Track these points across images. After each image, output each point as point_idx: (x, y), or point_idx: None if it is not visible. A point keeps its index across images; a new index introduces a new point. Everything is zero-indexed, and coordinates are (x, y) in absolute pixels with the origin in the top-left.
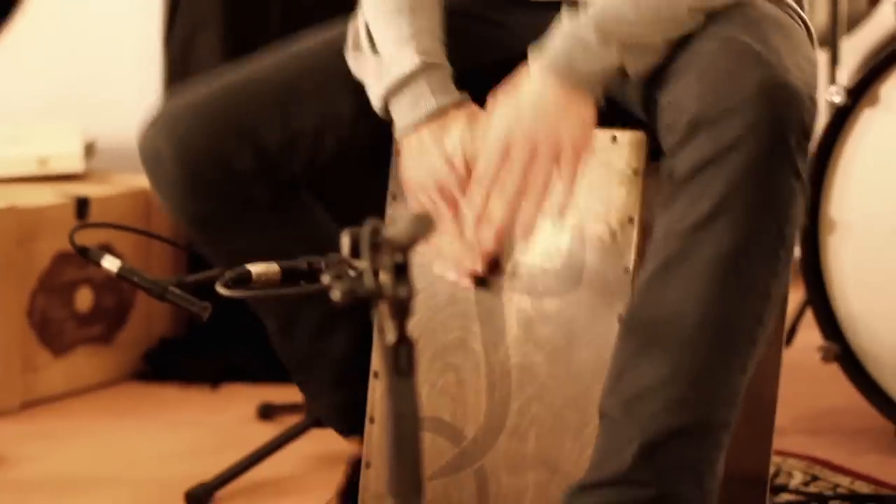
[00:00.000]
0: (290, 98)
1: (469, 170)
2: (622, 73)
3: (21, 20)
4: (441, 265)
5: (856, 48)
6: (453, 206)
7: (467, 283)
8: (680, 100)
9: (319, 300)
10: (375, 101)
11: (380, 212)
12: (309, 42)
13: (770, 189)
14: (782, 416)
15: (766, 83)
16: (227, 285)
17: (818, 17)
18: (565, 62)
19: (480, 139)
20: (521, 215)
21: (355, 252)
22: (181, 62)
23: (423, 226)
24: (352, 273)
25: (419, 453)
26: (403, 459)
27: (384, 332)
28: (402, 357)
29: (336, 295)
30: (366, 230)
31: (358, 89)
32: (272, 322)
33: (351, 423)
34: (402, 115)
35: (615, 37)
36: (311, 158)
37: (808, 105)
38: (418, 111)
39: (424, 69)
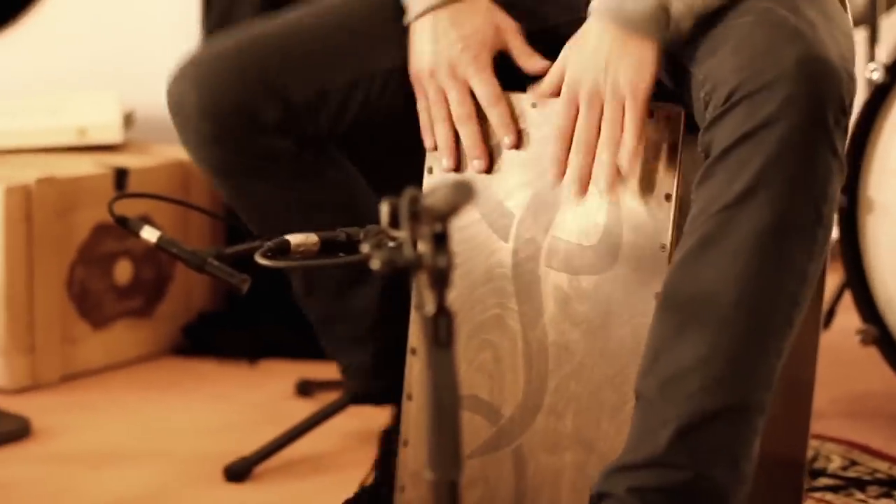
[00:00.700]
0: (321, 52)
1: (487, 52)
2: (667, 19)
3: None
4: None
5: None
6: (466, 91)
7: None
8: (716, 73)
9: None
10: None
11: (417, 183)
12: None
13: (807, 165)
14: (820, 400)
15: (804, 58)
16: (266, 255)
17: None
18: (616, 4)
19: (503, 28)
20: (599, 164)
21: (394, 222)
22: (220, 33)
23: (463, 194)
24: (391, 243)
25: (458, 425)
26: (442, 431)
27: (423, 303)
28: (442, 328)
29: (375, 264)
30: (405, 199)
31: (391, 46)
32: (297, 282)
33: (372, 382)
34: (419, 1)
35: None
36: (338, 115)
37: (845, 80)
38: None
39: None
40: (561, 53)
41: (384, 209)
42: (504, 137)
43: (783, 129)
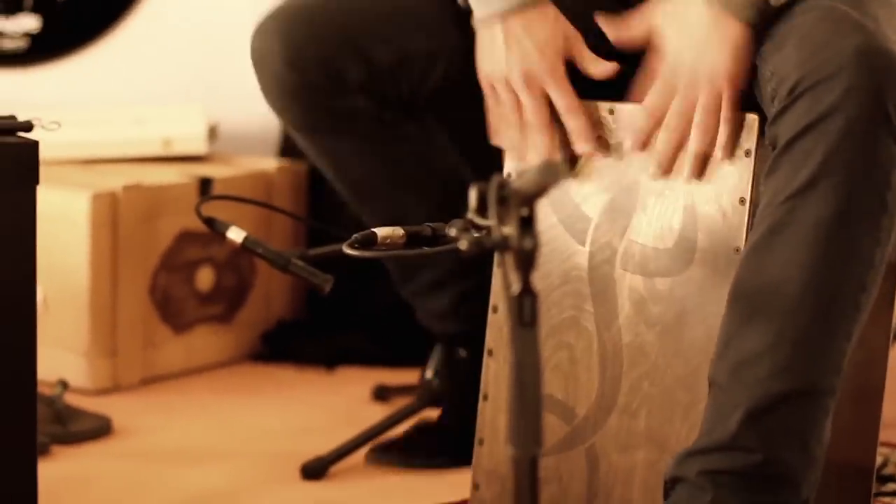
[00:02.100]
0: (405, 19)
1: (561, 60)
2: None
3: (147, 4)
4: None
5: None
6: (542, 96)
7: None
8: (780, 69)
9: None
10: None
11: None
12: None
13: (868, 154)
14: (888, 411)
15: (864, 49)
16: (353, 246)
17: None
18: None
19: (570, 35)
20: (691, 148)
21: (482, 207)
22: None
23: (552, 174)
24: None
25: (540, 403)
26: (525, 409)
27: (509, 283)
28: (526, 308)
29: (463, 245)
30: (493, 184)
31: (469, 24)
32: (395, 271)
33: (454, 328)
34: (487, 5)
35: None
36: (420, 82)
37: None
38: (505, 2)
39: None
40: (648, 12)
41: (472, 194)
42: (583, 146)
43: (844, 119)
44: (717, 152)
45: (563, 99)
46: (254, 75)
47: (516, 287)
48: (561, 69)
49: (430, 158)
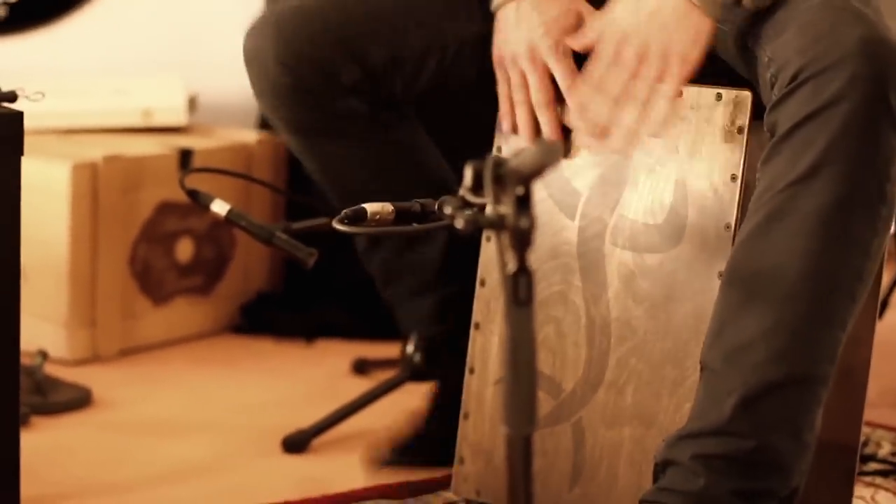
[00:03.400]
0: (398, 16)
1: (564, 39)
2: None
3: None
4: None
5: None
6: (545, 76)
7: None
8: (781, 54)
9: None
10: None
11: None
12: None
13: (870, 144)
14: (870, 391)
15: (867, 39)
16: (343, 222)
17: None
18: None
19: (584, 11)
20: (620, 121)
21: (477, 184)
22: None
23: (549, 154)
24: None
25: (535, 382)
26: (519, 388)
27: (504, 262)
28: (522, 286)
29: (459, 223)
30: (489, 162)
31: (465, 16)
32: (361, 238)
33: (435, 332)
34: None
35: None
36: (413, 80)
37: None
38: None
39: None
40: (609, 5)
41: (468, 172)
42: (578, 123)
43: (847, 108)
44: (650, 127)
45: (562, 74)
46: (233, 46)
47: (512, 266)
48: (564, 45)
49: (422, 164)
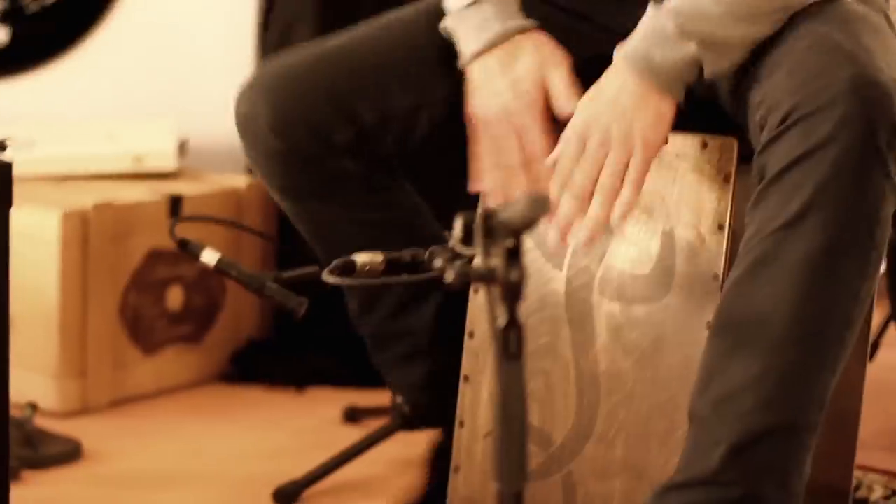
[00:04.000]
0: (387, 73)
1: (539, 96)
2: (701, 72)
3: (115, 18)
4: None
5: None
6: (520, 135)
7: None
8: (771, 96)
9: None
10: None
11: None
12: (405, 15)
13: (860, 187)
14: (863, 433)
15: (858, 80)
16: (333, 273)
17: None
18: (643, 54)
19: (549, 67)
20: (589, 211)
21: (467, 236)
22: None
23: (538, 208)
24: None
25: (526, 437)
26: (510, 443)
27: (495, 316)
28: (512, 340)
29: (449, 276)
30: (480, 214)
31: (451, 73)
32: (353, 302)
33: (424, 400)
34: (468, 41)
35: (694, 31)
36: (405, 136)
37: None
38: (484, 35)
39: None
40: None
41: (458, 223)
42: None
43: (837, 151)
44: (615, 217)
45: (532, 141)
46: (222, 89)
47: (502, 319)
48: (537, 105)
49: (415, 225)
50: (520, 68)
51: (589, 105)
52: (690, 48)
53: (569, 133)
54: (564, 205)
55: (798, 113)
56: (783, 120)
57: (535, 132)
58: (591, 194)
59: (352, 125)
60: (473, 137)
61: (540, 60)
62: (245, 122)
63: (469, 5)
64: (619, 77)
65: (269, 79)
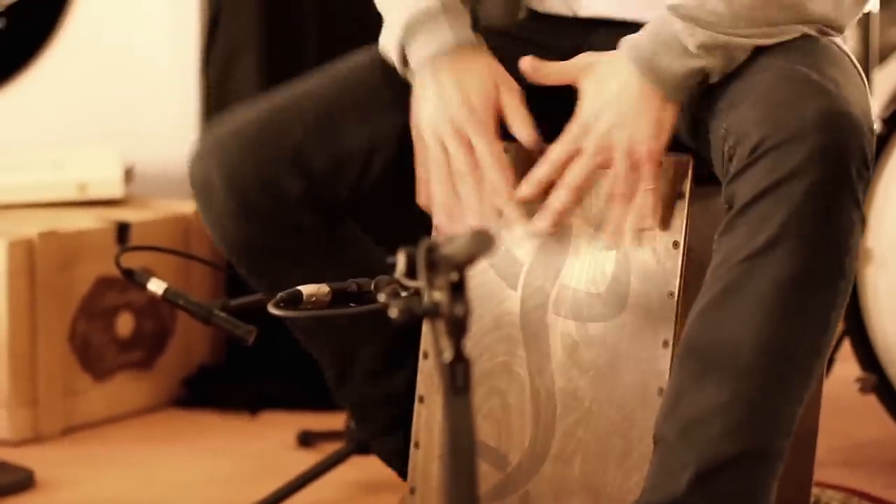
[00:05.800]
0: (335, 120)
1: (490, 111)
2: (705, 78)
3: (59, 45)
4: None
5: (887, 79)
6: (468, 149)
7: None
8: (738, 127)
9: (373, 342)
10: (392, 40)
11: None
12: (351, 61)
13: (830, 218)
14: (819, 449)
15: (827, 111)
16: (278, 305)
17: (849, 47)
18: (649, 56)
19: (503, 87)
20: (609, 218)
21: (411, 270)
22: (218, 88)
23: (482, 243)
24: (403, 293)
25: (475, 471)
26: (459, 478)
27: (440, 350)
28: (459, 375)
29: (393, 312)
30: (422, 248)
31: (400, 104)
32: (329, 371)
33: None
34: (419, 48)
35: (702, 36)
36: (358, 181)
37: (867, 135)
38: (436, 44)
39: (445, 10)
40: (574, 63)
41: (401, 258)
42: (500, 202)
43: (807, 181)
44: (648, 222)
45: (485, 151)
46: (169, 115)
47: (448, 354)
48: (488, 119)
49: (367, 270)
50: (470, 81)
51: (590, 98)
52: (698, 55)
53: (576, 126)
54: (558, 199)
55: (768, 143)
56: (753, 150)
57: (484, 144)
58: (583, 189)
59: (303, 175)
60: (418, 147)
61: (492, 78)
62: (199, 185)
63: (425, 15)
64: (622, 75)
65: (219, 139)
